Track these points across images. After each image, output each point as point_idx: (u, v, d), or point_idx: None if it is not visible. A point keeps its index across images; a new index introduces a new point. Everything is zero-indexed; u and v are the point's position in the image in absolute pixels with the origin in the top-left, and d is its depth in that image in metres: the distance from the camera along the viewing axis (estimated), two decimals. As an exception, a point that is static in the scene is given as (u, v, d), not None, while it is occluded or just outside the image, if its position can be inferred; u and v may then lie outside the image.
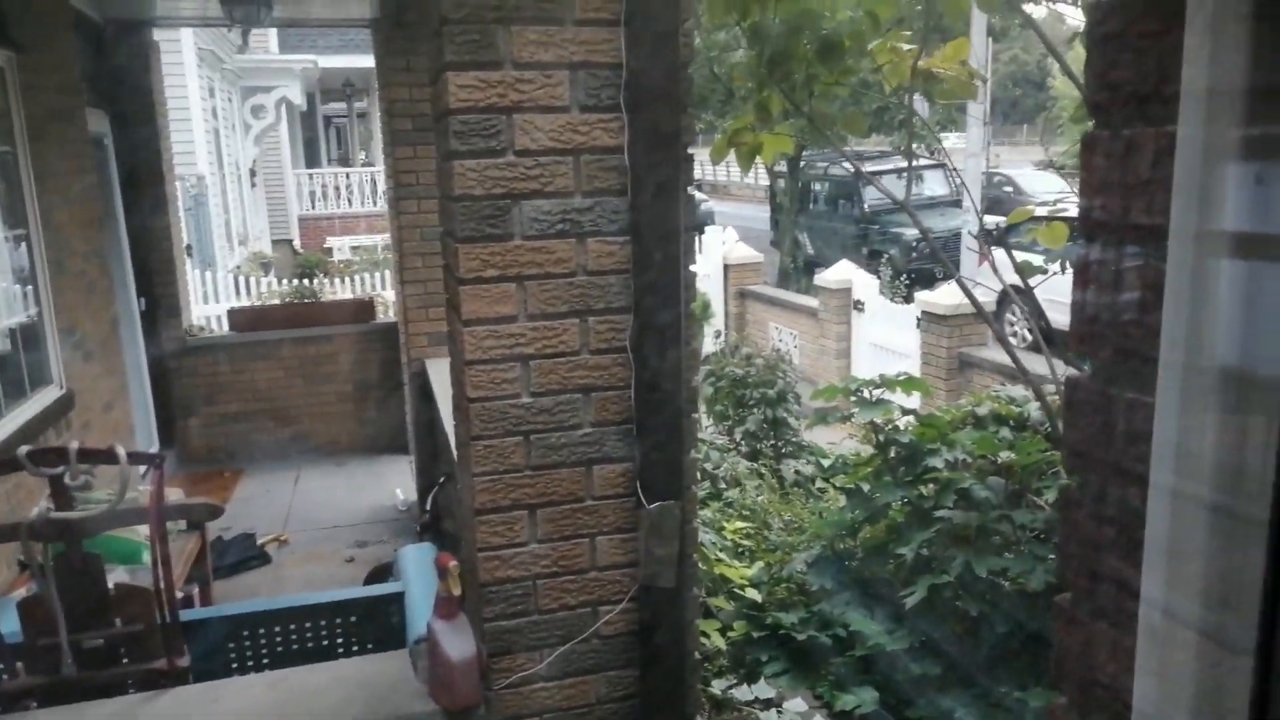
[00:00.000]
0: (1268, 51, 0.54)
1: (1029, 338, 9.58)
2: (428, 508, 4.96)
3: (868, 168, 14.29)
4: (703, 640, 3.30)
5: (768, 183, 20.61)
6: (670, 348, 2.09)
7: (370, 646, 2.98)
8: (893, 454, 3.84)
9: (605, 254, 2.02)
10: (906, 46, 3.16)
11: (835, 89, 3.23)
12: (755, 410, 6.77)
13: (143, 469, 3.06)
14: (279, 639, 2.92)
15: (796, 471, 6.24)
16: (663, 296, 2.06)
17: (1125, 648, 0.69)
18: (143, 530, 3.12)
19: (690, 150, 2.12)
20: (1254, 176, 0.54)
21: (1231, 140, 0.56)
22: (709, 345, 10.95)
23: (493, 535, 2.06)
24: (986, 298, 6.54)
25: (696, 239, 13.05)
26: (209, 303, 10.25)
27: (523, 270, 1.97)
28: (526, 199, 1.95)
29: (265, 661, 2.90)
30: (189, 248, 9.08)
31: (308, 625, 2.95)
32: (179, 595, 2.74)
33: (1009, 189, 18.16)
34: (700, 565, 3.61)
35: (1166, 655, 0.63)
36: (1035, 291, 3.49)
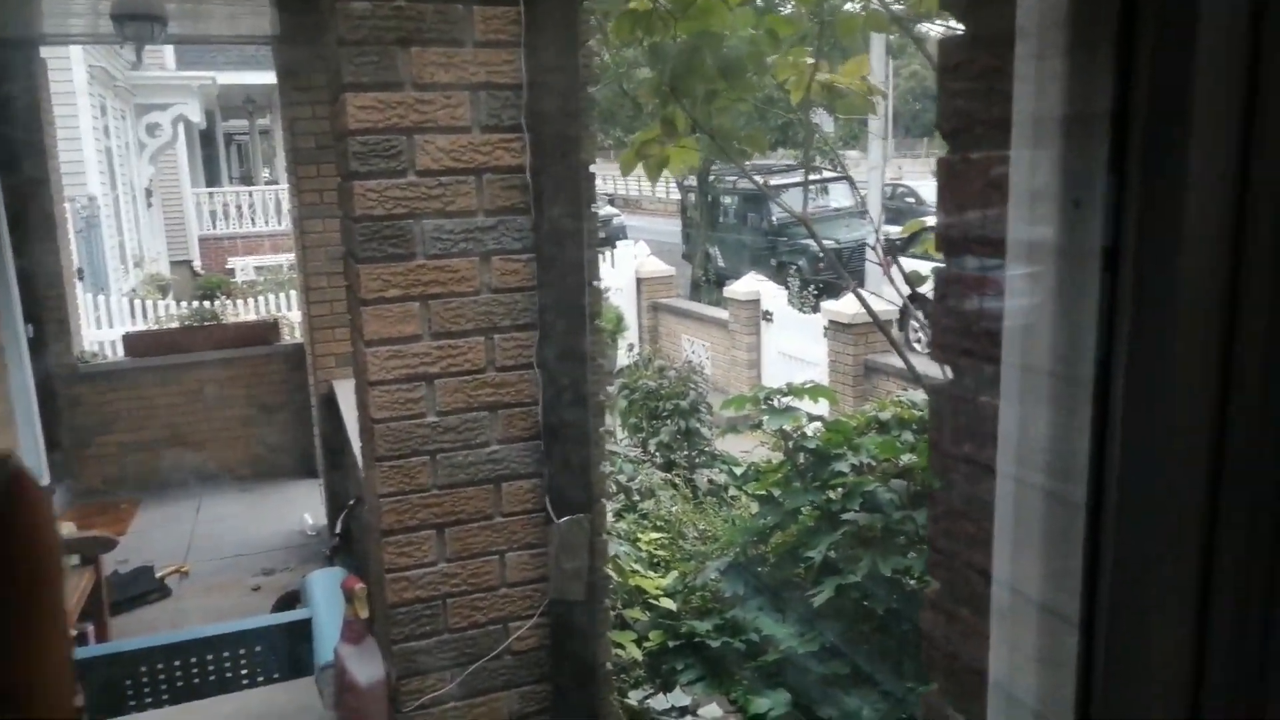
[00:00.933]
0: (1081, 81, 0.60)
1: (932, 345, 9.85)
2: (338, 531, 4.86)
3: (775, 181, 14.58)
4: (618, 652, 3.33)
5: (679, 197, 20.86)
6: (577, 363, 2.12)
7: (277, 676, 2.92)
8: (801, 460, 3.94)
9: (509, 271, 2.04)
10: (809, 60, 3.26)
11: (737, 105, 3.31)
12: (669, 421, 6.85)
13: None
14: (179, 673, 2.83)
15: (710, 481, 6.33)
16: (568, 312, 2.09)
17: (983, 631, 0.75)
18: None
19: (595, 166, 2.16)
20: (1072, 195, 0.61)
21: (1054, 162, 0.62)
22: (623, 358, 11.01)
23: (400, 556, 2.05)
24: (891, 306, 6.74)
25: (606, 254, 13.10)
26: (103, 328, 9.85)
27: (426, 290, 1.98)
28: (429, 218, 1.95)
29: (166, 698, 2.81)
30: (80, 271, 8.71)
31: (210, 658, 2.87)
32: (72, 633, 2.64)
33: (911, 200, 18.83)
34: (615, 577, 3.64)
35: (1015, 630, 0.68)
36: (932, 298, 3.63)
